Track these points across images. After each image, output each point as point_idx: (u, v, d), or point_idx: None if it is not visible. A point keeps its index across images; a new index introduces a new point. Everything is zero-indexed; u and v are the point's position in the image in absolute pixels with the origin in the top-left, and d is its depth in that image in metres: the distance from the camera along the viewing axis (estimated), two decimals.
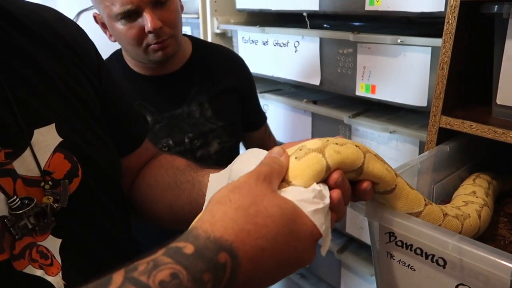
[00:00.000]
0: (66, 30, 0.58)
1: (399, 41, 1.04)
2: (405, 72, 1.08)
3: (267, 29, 1.41)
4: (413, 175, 0.66)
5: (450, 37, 0.71)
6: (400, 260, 0.56)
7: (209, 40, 1.60)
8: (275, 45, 1.42)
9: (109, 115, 0.61)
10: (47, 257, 0.48)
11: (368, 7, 1.12)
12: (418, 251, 0.52)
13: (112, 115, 0.62)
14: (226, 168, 0.57)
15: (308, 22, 1.31)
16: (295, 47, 1.35)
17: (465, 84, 0.78)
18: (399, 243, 0.54)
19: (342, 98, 1.40)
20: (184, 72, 1.10)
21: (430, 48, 1.00)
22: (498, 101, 0.70)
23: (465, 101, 0.78)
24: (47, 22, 0.56)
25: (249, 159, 0.50)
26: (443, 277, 0.51)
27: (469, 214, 0.59)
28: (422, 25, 1.24)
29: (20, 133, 0.47)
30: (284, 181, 0.42)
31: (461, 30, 0.70)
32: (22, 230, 0.46)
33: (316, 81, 1.33)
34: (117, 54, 1.12)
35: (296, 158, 0.44)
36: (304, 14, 1.30)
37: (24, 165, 0.47)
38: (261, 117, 1.29)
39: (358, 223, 1.33)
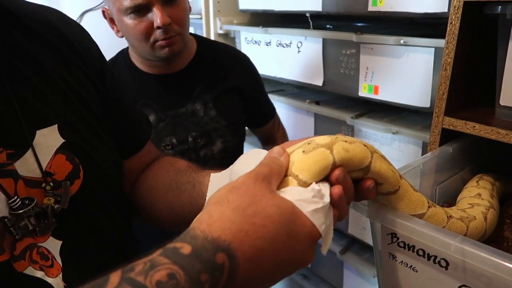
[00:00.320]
0: (69, 31, 0.58)
1: (402, 41, 1.04)
2: (408, 73, 1.07)
3: (270, 29, 1.41)
4: (415, 176, 0.66)
5: (453, 38, 0.70)
6: (402, 261, 0.55)
7: None
8: (278, 46, 1.42)
9: (112, 117, 0.61)
10: (48, 258, 0.48)
11: (371, 8, 1.12)
12: (421, 252, 0.52)
13: (114, 116, 0.62)
14: (227, 169, 0.57)
15: (311, 22, 1.31)
16: (298, 47, 1.35)
17: (468, 85, 0.77)
18: (402, 244, 0.54)
19: (345, 99, 1.40)
20: (189, 71, 1.11)
21: (433, 49, 0.99)
22: (501, 102, 0.70)
23: (468, 102, 0.78)
24: (50, 23, 0.56)
25: (249, 160, 0.50)
26: (446, 279, 0.51)
27: (474, 216, 0.59)
28: (425, 25, 1.24)
29: (22, 134, 0.47)
30: (290, 175, 0.42)
31: (464, 30, 0.70)
32: (22, 231, 0.46)
33: (319, 82, 1.33)
34: (124, 53, 1.13)
35: (303, 151, 0.43)
36: (307, 14, 1.30)
37: (26, 166, 0.47)
38: (269, 112, 1.29)
39: (360, 224, 1.33)
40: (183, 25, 1.02)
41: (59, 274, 0.49)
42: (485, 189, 0.69)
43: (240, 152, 1.23)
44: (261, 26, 1.44)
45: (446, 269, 0.50)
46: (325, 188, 0.42)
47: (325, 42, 1.27)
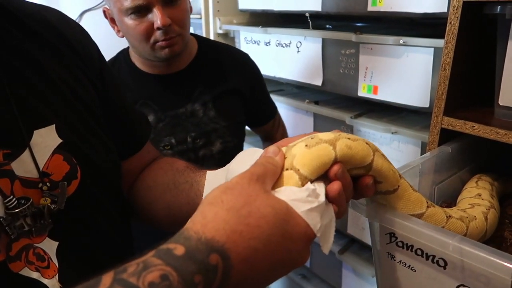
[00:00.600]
0: (69, 31, 0.57)
1: (401, 41, 1.04)
2: (407, 73, 1.07)
3: (269, 29, 1.41)
4: (414, 176, 0.66)
5: (452, 38, 0.70)
6: (400, 261, 0.55)
7: None
8: (277, 46, 1.42)
9: (111, 117, 0.61)
10: (44, 259, 0.48)
11: (370, 8, 1.12)
12: (419, 252, 0.52)
13: (114, 117, 0.62)
14: (223, 168, 0.57)
15: (310, 22, 1.31)
16: (297, 47, 1.35)
17: (467, 85, 0.77)
18: (400, 244, 0.54)
19: (344, 99, 1.40)
20: (190, 71, 1.11)
21: (432, 49, 0.99)
22: (501, 102, 0.70)
23: (467, 102, 0.78)
24: (50, 23, 0.56)
25: (246, 159, 0.50)
26: (444, 278, 0.51)
27: (475, 216, 0.59)
28: (424, 25, 1.23)
29: (20, 133, 0.47)
30: (291, 168, 0.42)
31: (463, 30, 0.70)
32: (18, 230, 0.45)
33: (318, 82, 1.33)
34: (124, 53, 1.13)
35: (306, 145, 0.43)
36: (307, 14, 1.30)
37: (23, 166, 0.47)
38: (271, 112, 1.29)
39: (359, 224, 1.33)
40: (183, 26, 1.02)
41: (55, 275, 0.48)
42: (484, 189, 0.69)
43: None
44: (260, 26, 1.44)
45: (445, 268, 0.50)
46: (320, 187, 0.42)
47: (324, 42, 1.27)
